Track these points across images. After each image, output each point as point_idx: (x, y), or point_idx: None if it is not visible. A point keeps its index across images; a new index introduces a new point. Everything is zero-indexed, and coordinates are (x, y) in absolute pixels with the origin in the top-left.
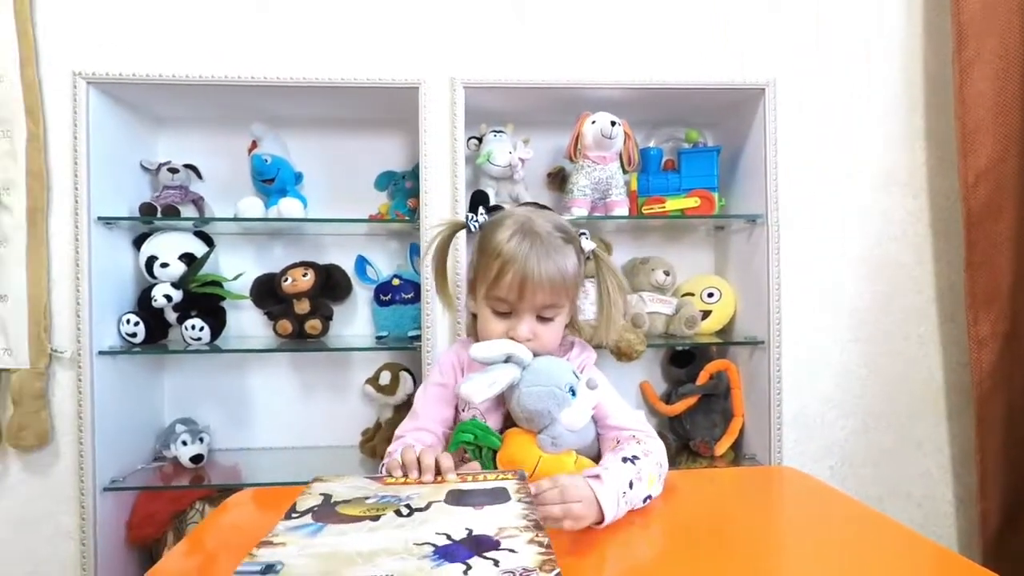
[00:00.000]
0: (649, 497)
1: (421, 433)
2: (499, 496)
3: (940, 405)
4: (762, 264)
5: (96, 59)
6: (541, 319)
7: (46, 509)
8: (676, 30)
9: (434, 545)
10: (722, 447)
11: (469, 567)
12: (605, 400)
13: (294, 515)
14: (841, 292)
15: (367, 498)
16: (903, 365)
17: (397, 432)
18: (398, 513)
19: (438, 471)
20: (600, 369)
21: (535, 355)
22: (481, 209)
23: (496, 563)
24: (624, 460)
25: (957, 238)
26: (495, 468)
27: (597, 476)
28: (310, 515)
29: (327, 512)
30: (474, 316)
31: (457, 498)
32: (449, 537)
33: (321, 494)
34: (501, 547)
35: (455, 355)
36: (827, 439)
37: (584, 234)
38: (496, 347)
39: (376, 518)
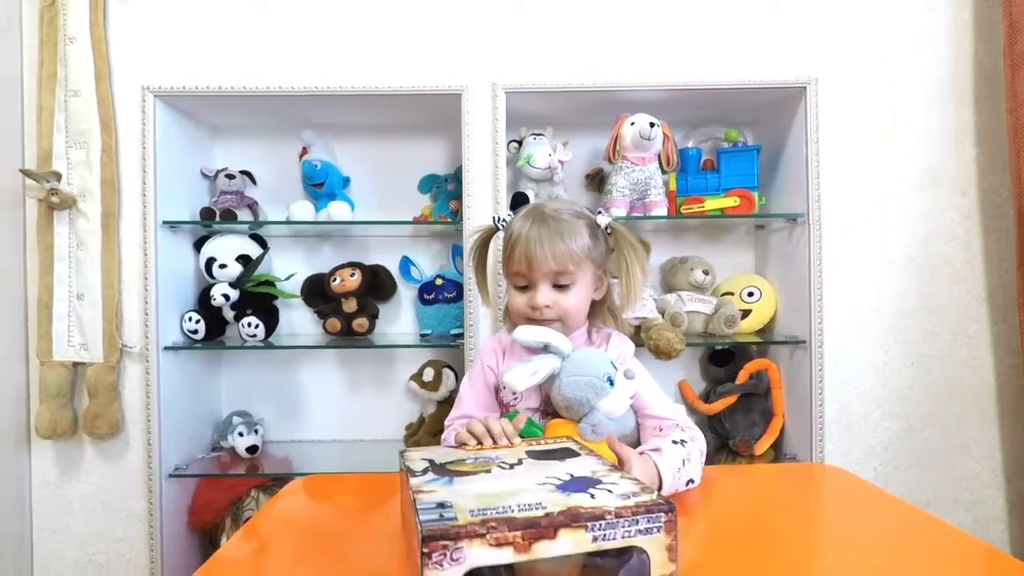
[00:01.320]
0: (692, 481)
1: (468, 420)
2: (570, 453)
3: (990, 407)
4: (803, 263)
5: (162, 74)
6: (558, 287)
7: (118, 493)
8: (715, 29)
9: (554, 484)
10: (762, 446)
11: (592, 495)
12: (644, 390)
13: (418, 474)
14: (886, 291)
15: (464, 459)
16: (951, 366)
17: (446, 422)
18: (501, 467)
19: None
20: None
21: (572, 345)
22: (508, 211)
23: (610, 491)
24: (674, 443)
25: (1008, 236)
26: None
27: (657, 449)
28: (431, 472)
29: (442, 470)
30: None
31: (538, 455)
32: (558, 478)
33: (423, 459)
34: (603, 483)
35: (497, 341)
36: (871, 440)
37: (600, 212)
38: (537, 333)
39: (488, 471)
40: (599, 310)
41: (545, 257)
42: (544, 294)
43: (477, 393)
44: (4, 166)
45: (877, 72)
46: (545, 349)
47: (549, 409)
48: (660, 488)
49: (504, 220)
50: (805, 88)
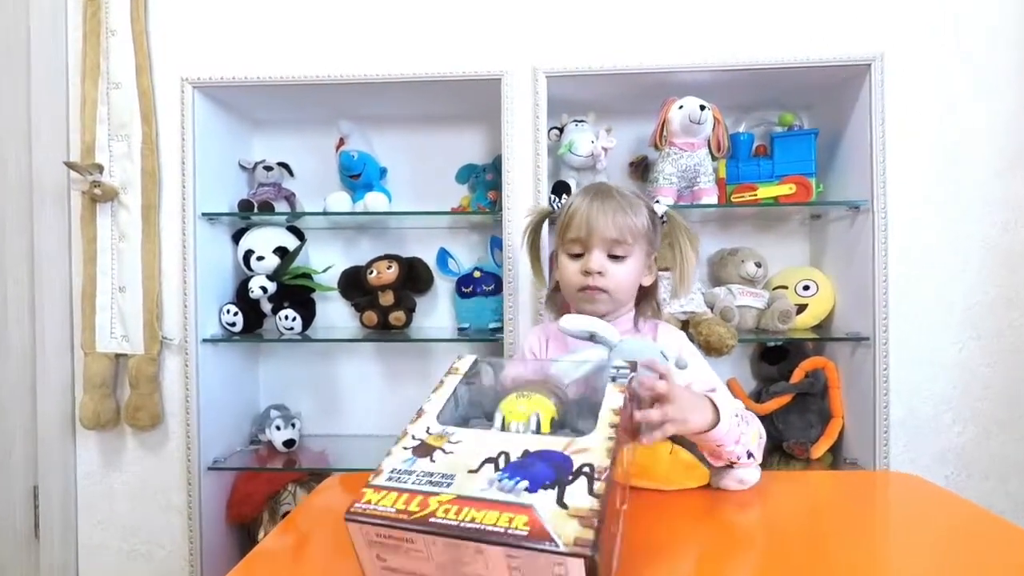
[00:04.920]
0: (751, 455)
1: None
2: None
3: None
4: (866, 254)
5: (201, 65)
6: (612, 258)
7: (159, 484)
8: (769, 4)
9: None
10: (819, 450)
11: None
12: (698, 380)
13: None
14: (959, 284)
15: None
16: None
17: None
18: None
19: None
20: None
21: (620, 337)
22: (564, 195)
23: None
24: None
25: None
26: None
27: (713, 389)
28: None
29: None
30: (556, 289)
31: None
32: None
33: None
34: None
35: (542, 329)
36: (941, 446)
37: (658, 201)
38: (583, 321)
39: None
40: (646, 300)
41: (607, 223)
42: (598, 259)
43: None
44: (51, 159)
45: (949, 46)
46: (591, 339)
47: None
48: (718, 422)
49: (560, 202)
50: (870, 65)
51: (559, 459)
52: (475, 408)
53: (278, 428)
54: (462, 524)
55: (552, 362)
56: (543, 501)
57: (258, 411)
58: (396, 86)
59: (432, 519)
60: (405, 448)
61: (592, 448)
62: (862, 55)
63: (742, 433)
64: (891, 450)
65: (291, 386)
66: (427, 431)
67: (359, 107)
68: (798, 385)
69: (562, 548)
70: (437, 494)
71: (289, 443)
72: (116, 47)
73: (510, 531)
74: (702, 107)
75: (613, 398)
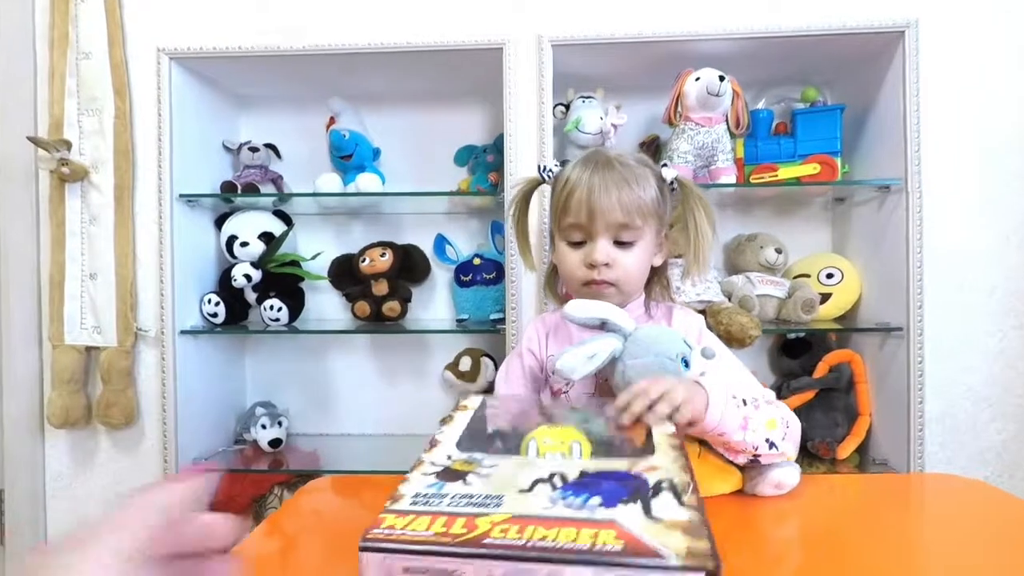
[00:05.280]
0: (773, 445)
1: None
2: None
3: None
4: (898, 238)
5: (178, 35)
6: (619, 244)
7: (134, 487)
8: None
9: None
10: (846, 449)
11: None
12: (727, 372)
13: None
14: (1000, 269)
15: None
16: None
17: None
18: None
19: None
20: None
21: (636, 323)
22: (556, 161)
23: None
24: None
25: None
26: None
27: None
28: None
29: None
30: (556, 272)
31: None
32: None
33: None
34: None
35: (541, 321)
36: (980, 445)
37: (665, 165)
38: (592, 307)
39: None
40: (656, 280)
41: (611, 205)
42: (603, 249)
43: (513, 384)
44: (16, 135)
45: (988, 10)
46: (602, 327)
47: (607, 397)
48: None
49: (551, 170)
50: (903, 32)
51: (628, 477)
52: (490, 443)
53: (264, 427)
54: (532, 544)
55: (570, 406)
56: (628, 515)
57: (244, 408)
58: (389, 57)
59: (487, 540)
60: (426, 474)
61: (662, 466)
62: (895, 21)
63: (747, 417)
64: (926, 449)
65: (280, 382)
66: (449, 458)
67: (351, 83)
68: (822, 380)
69: (675, 562)
70: (487, 515)
71: (275, 443)
72: (86, 14)
73: (598, 547)
74: (721, 78)
75: (663, 427)
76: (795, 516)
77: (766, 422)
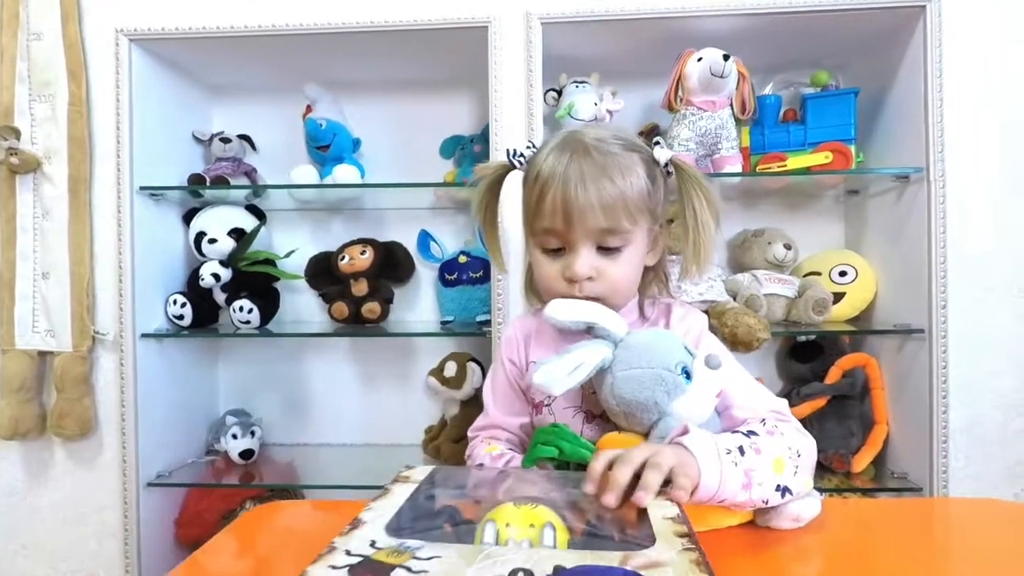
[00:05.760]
0: (786, 490)
1: (494, 431)
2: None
3: None
4: (919, 232)
5: (138, 14)
6: (603, 251)
7: (92, 503)
8: None
9: None
10: (861, 461)
11: None
12: (731, 383)
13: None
14: None
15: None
16: None
17: (470, 432)
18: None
19: None
20: None
21: (628, 328)
22: (529, 142)
23: None
24: (734, 432)
25: None
26: None
27: (684, 432)
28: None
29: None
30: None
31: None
32: None
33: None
34: None
35: (518, 326)
36: (1011, 457)
37: (658, 143)
38: (577, 309)
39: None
40: (651, 276)
41: (591, 206)
42: (585, 260)
43: (500, 397)
44: None
45: None
46: (589, 332)
47: (596, 410)
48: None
49: (522, 155)
50: (924, 7)
51: (623, 575)
52: (433, 521)
53: (235, 436)
54: None
55: (547, 474)
56: None
57: (217, 417)
58: (366, 37)
59: None
60: (334, 568)
61: (667, 562)
62: None
63: (749, 470)
64: (951, 462)
65: (253, 388)
66: (372, 545)
67: (329, 69)
68: (835, 386)
69: None
70: None
71: (247, 454)
72: None
73: None
74: (725, 57)
75: (660, 507)
76: (819, 553)
77: (772, 465)
